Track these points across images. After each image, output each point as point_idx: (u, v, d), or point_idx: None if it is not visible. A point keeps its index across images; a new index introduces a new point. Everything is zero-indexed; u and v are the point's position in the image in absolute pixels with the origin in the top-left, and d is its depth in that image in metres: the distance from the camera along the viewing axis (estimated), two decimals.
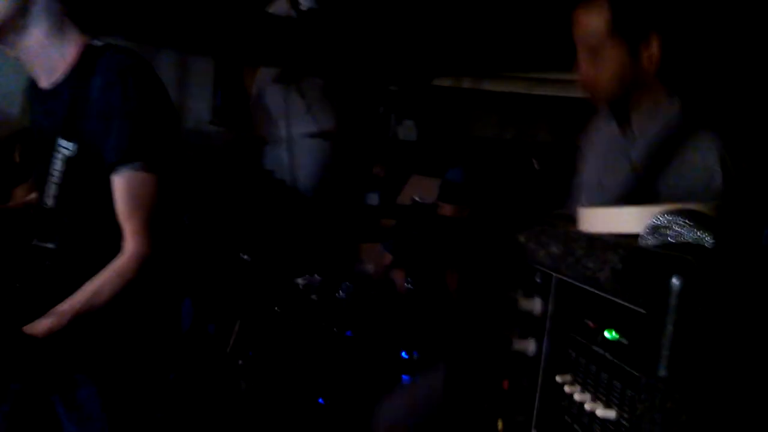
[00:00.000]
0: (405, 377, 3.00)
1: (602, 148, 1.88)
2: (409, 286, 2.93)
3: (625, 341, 0.86)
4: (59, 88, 1.67)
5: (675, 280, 0.74)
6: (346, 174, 4.80)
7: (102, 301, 1.57)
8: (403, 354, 3.00)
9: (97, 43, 1.68)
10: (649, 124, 1.69)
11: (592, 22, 1.65)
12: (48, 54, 1.65)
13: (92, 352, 1.68)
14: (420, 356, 2.97)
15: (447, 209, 3.11)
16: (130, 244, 1.60)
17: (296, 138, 4.70)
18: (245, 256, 3.04)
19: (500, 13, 3.73)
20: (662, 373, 0.74)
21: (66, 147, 1.65)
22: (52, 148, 1.67)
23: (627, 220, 1.03)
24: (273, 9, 4.13)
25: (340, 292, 2.95)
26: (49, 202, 1.70)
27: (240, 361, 2.89)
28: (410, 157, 4.85)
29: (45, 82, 1.69)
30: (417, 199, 3.38)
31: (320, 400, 3.05)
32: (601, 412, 0.87)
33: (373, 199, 4.74)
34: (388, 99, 5.14)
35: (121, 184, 1.60)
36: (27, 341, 1.50)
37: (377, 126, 5.11)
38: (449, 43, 4.36)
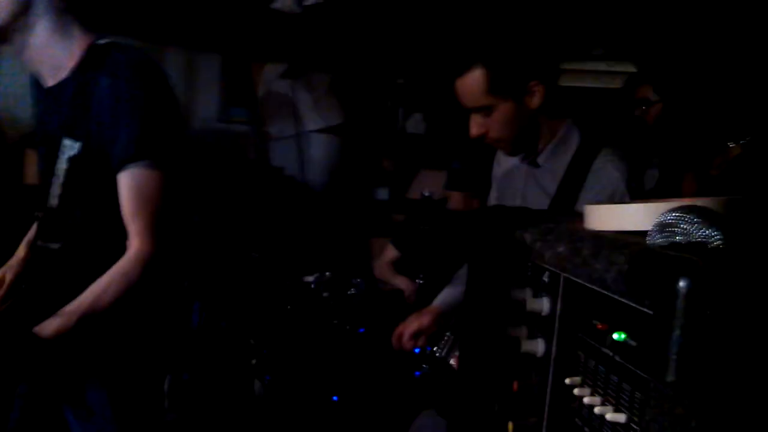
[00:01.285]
0: (417, 373, 2.99)
1: (507, 178, 2.04)
2: (421, 281, 2.92)
3: (633, 343, 0.84)
4: (64, 86, 1.66)
5: (682, 282, 0.72)
6: (355, 169, 4.78)
7: (107, 301, 1.56)
8: (417, 350, 2.99)
9: (102, 41, 1.67)
10: (556, 156, 1.84)
11: (473, 88, 1.78)
12: (52, 53, 1.65)
13: (101, 354, 1.67)
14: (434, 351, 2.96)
15: (455, 198, 3.10)
16: (135, 243, 1.59)
17: (304, 134, 4.70)
18: (255, 254, 3.04)
19: (507, 5, 3.71)
20: (670, 378, 0.73)
21: (71, 146, 1.64)
22: (57, 147, 1.66)
23: (635, 217, 1.01)
24: (277, 5, 4.12)
25: (352, 288, 2.94)
26: (54, 202, 1.70)
27: (253, 361, 2.90)
28: (419, 151, 4.83)
29: (50, 81, 1.69)
30: (426, 193, 3.36)
31: (334, 398, 3.04)
32: (610, 415, 0.85)
33: (383, 193, 4.72)
34: (396, 92, 5.11)
35: (127, 182, 1.59)
36: (35, 342, 1.50)
37: (386, 120, 5.09)
38: (456, 34, 4.33)
